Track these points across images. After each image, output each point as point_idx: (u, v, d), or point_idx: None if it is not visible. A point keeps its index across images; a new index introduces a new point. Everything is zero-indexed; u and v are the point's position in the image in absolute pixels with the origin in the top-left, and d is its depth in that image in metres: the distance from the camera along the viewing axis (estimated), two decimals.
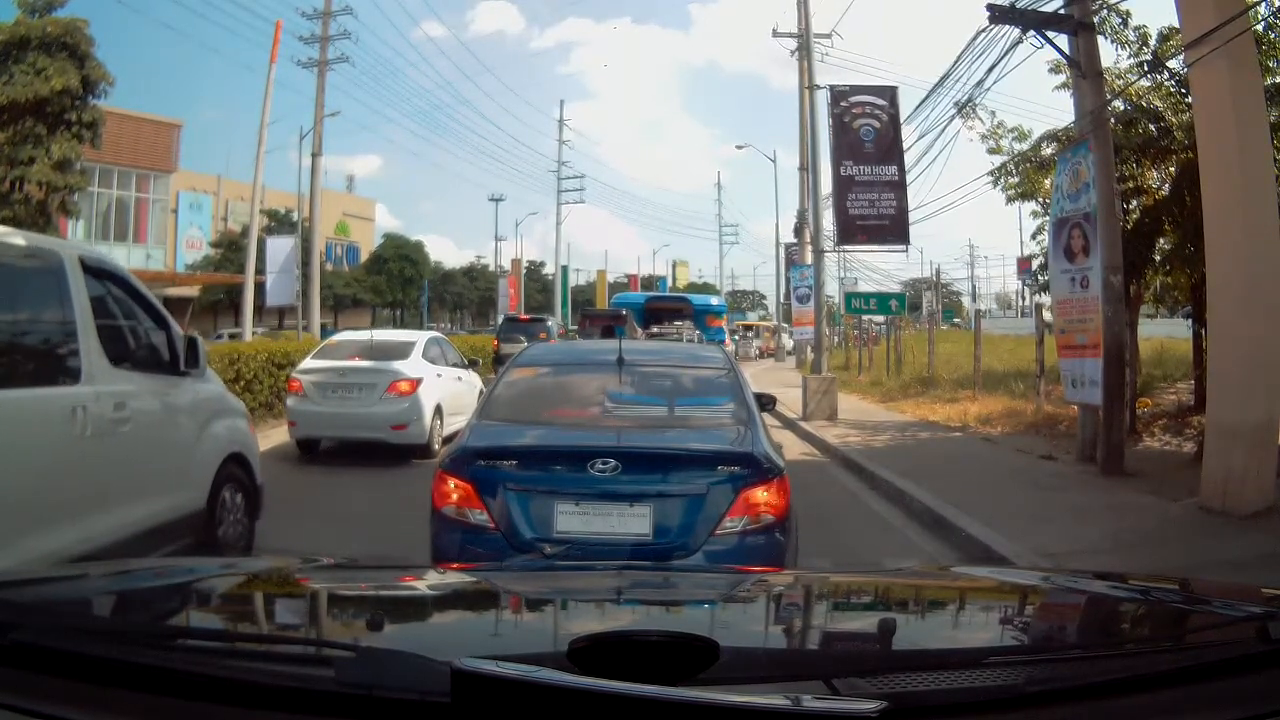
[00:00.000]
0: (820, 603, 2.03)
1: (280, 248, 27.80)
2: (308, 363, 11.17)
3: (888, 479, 8.96)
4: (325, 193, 30.25)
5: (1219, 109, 7.37)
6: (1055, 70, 11.12)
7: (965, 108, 12.68)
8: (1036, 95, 16.05)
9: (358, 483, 9.28)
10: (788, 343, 37.59)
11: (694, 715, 1.05)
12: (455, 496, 4.12)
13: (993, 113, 14.66)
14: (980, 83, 11.93)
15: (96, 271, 4.88)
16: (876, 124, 15.01)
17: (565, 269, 58.44)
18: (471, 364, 13.27)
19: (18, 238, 4.89)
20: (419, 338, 11.95)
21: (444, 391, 11.15)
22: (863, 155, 14.98)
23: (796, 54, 24.49)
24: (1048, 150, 12.27)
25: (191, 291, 35.88)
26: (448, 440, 9.23)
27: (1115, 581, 2.04)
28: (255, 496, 6.11)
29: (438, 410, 10.82)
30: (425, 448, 10.33)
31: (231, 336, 26.66)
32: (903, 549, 6.79)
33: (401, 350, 11.16)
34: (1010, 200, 13.54)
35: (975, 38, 11.07)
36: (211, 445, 5.70)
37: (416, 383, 10.54)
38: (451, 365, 12.07)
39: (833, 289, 35.99)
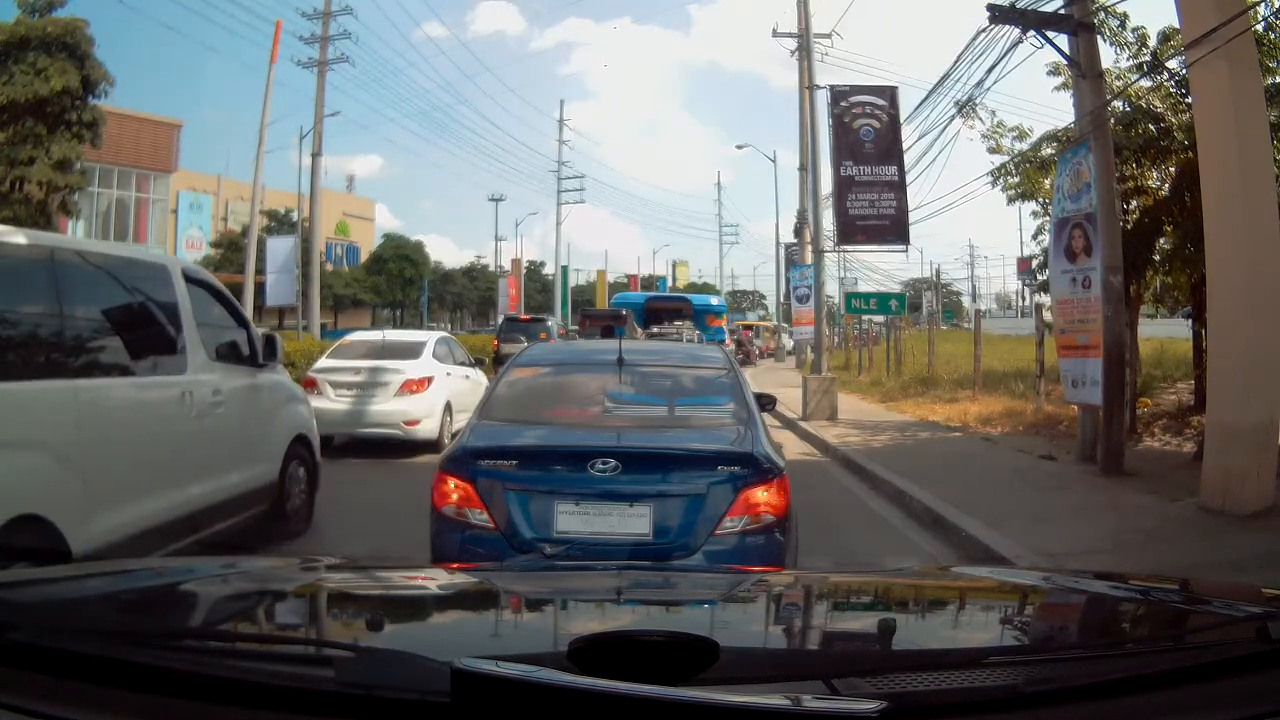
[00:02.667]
0: (820, 603, 2.03)
1: (280, 248, 27.85)
2: (323, 362, 11.57)
3: (888, 479, 8.96)
4: (325, 193, 30.25)
5: (1219, 109, 7.37)
6: (1055, 71, 11.12)
7: (965, 107, 12.68)
8: (1036, 95, 16.04)
9: (370, 476, 9.52)
10: (788, 343, 37.56)
11: (694, 715, 1.05)
12: (455, 496, 4.12)
13: (993, 112, 14.63)
14: (980, 83, 11.95)
15: (193, 280, 5.86)
16: (876, 124, 15.00)
17: (565, 269, 58.44)
18: (478, 363, 13.49)
19: (139, 254, 6.26)
20: (429, 338, 12.41)
21: (453, 389, 11.49)
22: (863, 155, 14.97)
23: (796, 54, 24.49)
24: (1048, 150, 12.27)
25: None
26: (456, 436, 9.41)
27: (1115, 581, 2.04)
28: (315, 472, 7.14)
29: (447, 407, 11.17)
30: (436, 443, 10.63)
31: None
32: (903, 549, 6.79)
33: (413, 350, 11.57)
34: (1010, 200, 13.53)
35: (975, 38, 11.09)
36: (283, 427, 6.75)
37: (428, 381, 10.96)
38: (459, 364, 12.41)
39: (833, 289, 36.02)
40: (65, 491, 4.28)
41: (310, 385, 10.78)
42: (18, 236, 4.63)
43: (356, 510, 7.67)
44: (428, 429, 10.75)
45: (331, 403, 10.63)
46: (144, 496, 4.87)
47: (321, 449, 10.64)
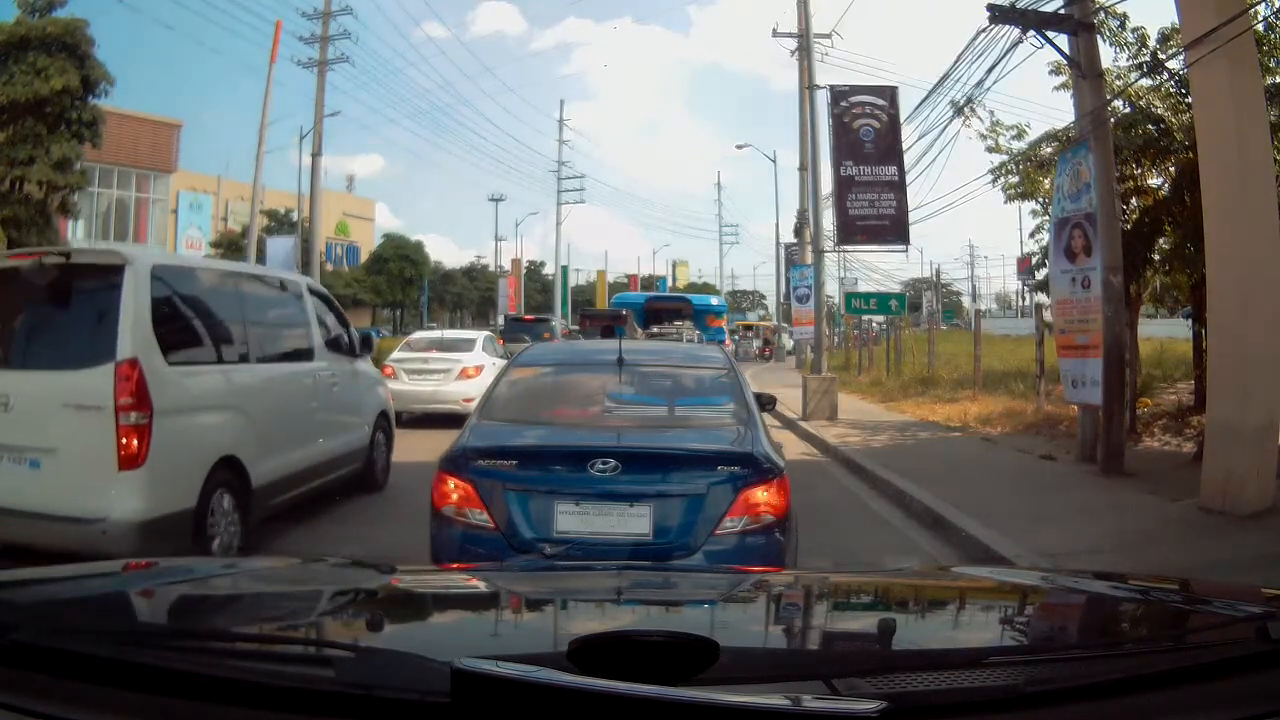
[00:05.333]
0: (820, 603, 2.03)
1: (280, 248, 27.90)
2: (397, 354, 14.62)
3: (888, 479, 8.96)
4: (325, 193, 30.24)
5: (1219, 109, 7.37)
6: (1055, 71, 11.11)
7: (965, 108, 12.66)
8: (1036, 95, 16.00)
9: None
10: (788, 343, 37.53)
11: (694, 715, 1.05)
12: (455, 496, 4.12)
13: (991, 112, 14.63)
14: (980, 83, 11.94)
15: (313, 291, 7.89)
16: (876, 124, 14.98)
17: (565, 269, 58.43)
18: None
19: (282, 274, 8.84)
20: (479, 336, 15.87)
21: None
22: (863, 155, 14.95)
23: (796, 54, 24.45)
24: (1047, 150, 12.27)
25: None
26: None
27: (1115, 581, 2.04)
28: (391, 440, 8.96)
29: None
30: None
31: None
32: (903, 549, 6.79)
33: (467, 345, 14.97)
34: (1009, 199, 13.53)
35: (975, 38, 11.08)
36: (372, 403, 8.58)
37: (480, 368, 13.72)
38: (500, 358, 14.63)
39: (833, 289, 35.97)
40: (249, 441, 6.04)
41: (388, 372, 13.25)
42: (220, 265, 7.43)
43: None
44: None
45: (405, 385, 13.25)
46: (291, 449, 6.68)
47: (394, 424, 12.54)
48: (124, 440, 5.05)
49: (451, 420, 11.91)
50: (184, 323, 5.87)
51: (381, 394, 8.99)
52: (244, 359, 6.40)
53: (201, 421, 5.69)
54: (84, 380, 5.16)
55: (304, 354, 7.29)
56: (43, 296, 5.60)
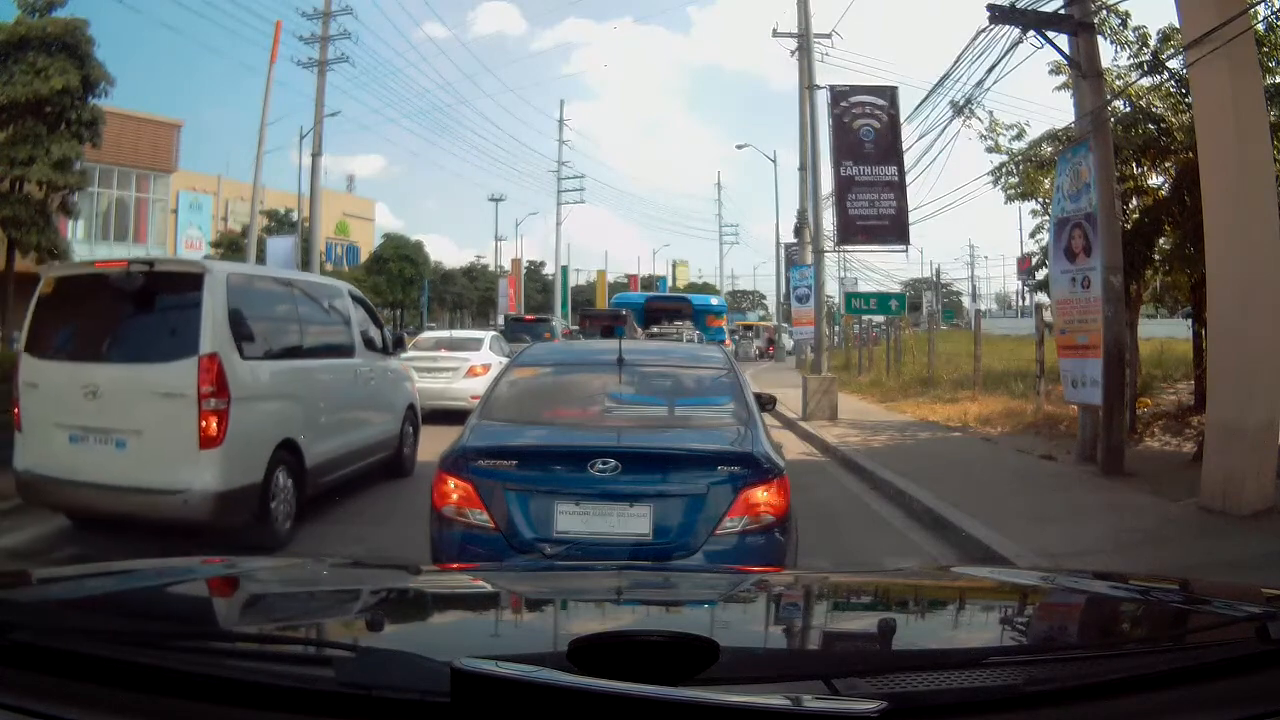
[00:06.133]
0: (820, 603, 2.03)
1: (280, 248, 27.89)
2: (407, 352, 15.10)
3: (888, 479, 8.96)
4: (325, 193, 30.21)
5: (1219, 109, 7.37)
6: (1056, 71, 11.11)
7: (964, 108, 12.65)
8: (1036, 95, 15.97)
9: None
10: (788, 343, 37.50)
11: (694, 715, 1.05)
12: (455, 496, 4.12)
13: (990, 112, 14.61)
14: (980, 83, 11.95)
15: (352, 295, 8.80)
16: (876, 124, 14.97)
17: (565, 269, 58.41)
18: None
19: (329, 281, 9.62)
20: (486, 335, 16.60)
21: None
22: (863, 155, 14.94)
23: (796, 54, 24.42)
24: (1047, 150, 12.26)
25: None
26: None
27: (1115, 581, 2.04)
28: (418, 431, 9.78)
29: None
30: None
31: None
32: (903, 549, 6.79)
33: (474, 344, 15.66)
34: (1009, 200, 13.52)
35: (975, 38, 11.08)
36: (401, 397, 9.41)
37: (488, 366, 14.30)
38: (506, 356, 15.14)
39: (833, 289, 35.97)
40: (304, 427, 6.92)
41: None
42: (279, 273, 8.56)
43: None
44: None
45: (416, 383, 13.65)
46: (338, 434, 7.59)
47: None
48: (205, 423, 5.88)
49: (460, 417, 12.12)
50: (252, 322, 6.62)
51: (409, 389, 9.78)
52: (299, 355, 7.27)
53: (267, 408, 6.56)
54: (170, 372, 5.97)
55: (346, 351, 8.19)
56: (129, 300, 6.30)
